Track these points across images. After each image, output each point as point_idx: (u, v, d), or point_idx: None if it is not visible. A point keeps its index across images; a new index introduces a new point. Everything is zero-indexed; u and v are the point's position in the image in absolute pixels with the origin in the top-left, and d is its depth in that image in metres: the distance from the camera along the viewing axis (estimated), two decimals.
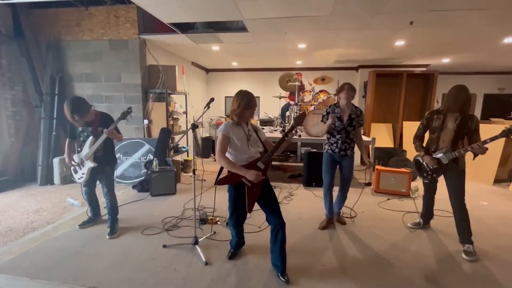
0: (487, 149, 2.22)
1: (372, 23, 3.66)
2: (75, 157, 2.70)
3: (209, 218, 3.02)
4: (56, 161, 4.41)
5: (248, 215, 2.34)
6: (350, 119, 2.81)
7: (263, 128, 5.13)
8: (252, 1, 3.04)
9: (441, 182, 2.60)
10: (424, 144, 2.64)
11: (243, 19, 3.63)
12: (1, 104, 4.38)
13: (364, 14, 3.36)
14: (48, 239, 2.63)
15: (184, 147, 5.38)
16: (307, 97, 5.26)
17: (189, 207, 3.43)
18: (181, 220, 3.06)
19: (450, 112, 2.40)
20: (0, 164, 4.31)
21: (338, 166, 2.93)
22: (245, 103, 2.01)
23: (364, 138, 4.73)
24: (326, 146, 2.96)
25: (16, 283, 2.02)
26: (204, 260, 2.24)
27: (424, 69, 6.58)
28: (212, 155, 6.95)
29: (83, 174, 2.71)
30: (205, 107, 2.48)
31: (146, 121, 4.66)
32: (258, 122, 6.18)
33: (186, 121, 5.41)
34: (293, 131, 2.05)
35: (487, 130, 2.40)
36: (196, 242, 2.42)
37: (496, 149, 4.44)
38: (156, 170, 3.93)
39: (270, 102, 7.20)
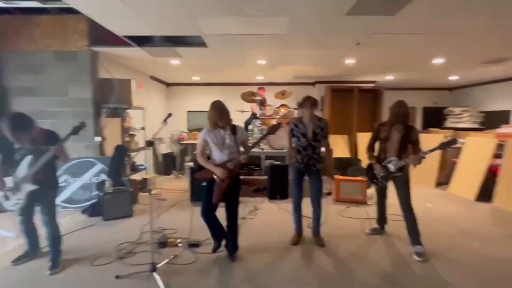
0: (419, 161, 2.47)
1: (325, 42, 3.95)
2: (8, 180, 2.34)
3: (169, 240, 2.82)
4: None
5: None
6: (314, 134, 2.75)
7: None
8: (211, 18, 3.07)
9: (392, 188, 2.81)
10: (376, 153, 2.85)
11: (202, 34, 3.63)
12: None
13: (317, 33, 3.60)
14: None
15: (142, 165, 5.07)
16: (269, 112, 5.39)
17: (146, 230, 3.17)
18: (138, 245, 2.81)
19: (394, 125, 2.65)
20: None
21: (308, 179, 2.87)
22: (214, 114, 2.39)
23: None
24: (295, 162, 2.85)
25: None
26: None
27: (373, 85, 7.24)
28: (174, 171, 6.65)
29: (18, 200, 2.34)
30: (162, 122, 2.38)
31: (98, 138, 4.30)
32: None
33: (144, 137, 5.13)
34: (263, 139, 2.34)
35: (427, 139, 2.69)
36: (153, 269, 2.22)
37: (434, 155, 4.98)
38: (110, 191, 3.61)
39: (233, 116, 7.20)
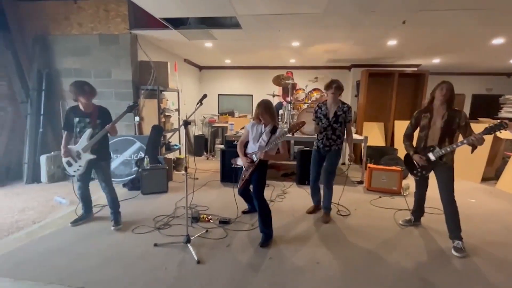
0: (484, 139, 2.19)
1: (365, 21, 3.68)
2: (71, 148, 2.68)
3: (202, 216, 2.98)
4: (43, 158, 4.27)
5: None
6: (336, 116, 2.91)
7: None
8: None
9: (432, 180, 2.64)
10: (414, 143, 2.67)
11: (236, 15, 3.59)
12: None
13: (357, 12, 3.36)
14: (34, 239, 2.55)
15: (176, 145, 5.31)
16: (301, 96, 5.26)
17: (181, 206, 3.38)
18: (173, 219, 3.01)
19: (437, 110, 2.44)
20: None
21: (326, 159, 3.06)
22: (259, 108, 2.51)
23: (357, 136, 4.77)
24: (314, 142, 3.13)
25: None
26: (196, 258, 2.21)
27: (415, 69, 6.67)
28: (205, 153, 6.89)
29: (79, 166, 2.68)
30: (197, 103, 2.44)
31: (137, 118, 4.57)
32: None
33: (179, 118, 5.33)
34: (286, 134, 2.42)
35: (475, 130, 2.46)
36: (188, 241, 2.38)
37: (483, 148, 4.53)
38: (148, 168, 3.86)
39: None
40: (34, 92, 4.43)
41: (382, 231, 2.86)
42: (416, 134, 2.68)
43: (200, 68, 7.89)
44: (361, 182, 4.48)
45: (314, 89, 5.20)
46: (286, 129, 2.41)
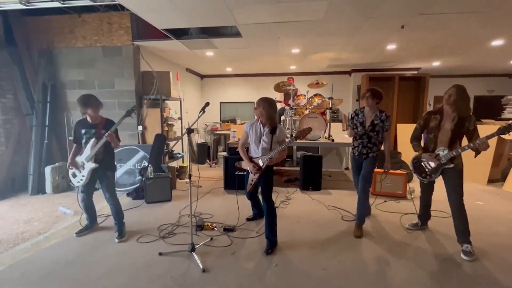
0: (489, 145, 2.22)
1: (364, 27, 3.72)
2: (76, 160, 2.73)
3: (206, 224, 2.97)
4: (48, 169, 4.31)
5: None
6: (373, 125, 2.80)
7: None
8: (246, 6, 3.06)
9: (438, 183, 2.61)
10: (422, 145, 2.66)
11: (237, 24, 3.65)
12: None
13: (356, 18, 3.41)
14: (39, 250, 2.55)
15: (179, 153, 5.33)
16: (302, 101, 5.28)
17: (185, 214, 3.37)
18: (177, 227, 3.00)
19: (448, 113, 2.43)
20: None
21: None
22: (258, 108, 2.48)
23: None
24: (351, 150, 3.14)
25: None
26: (201, 267, 2.19)
27: (416, 72, 6.70)
28: (208, 161, 6.90)
29: (82, 176, 2.70)
30: (200, 111, 2.46)
31: (140, 128, 4.61)
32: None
33: (181, 127, 5.38)
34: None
35: (480, 132, 2.46)
36: (193, 249, 2.36)
37: (488, 149, 4.50)
38: (151, 176, 3.87)
39: None
40: (39, 104, 4.50)
41: (388, 235, 2.82)
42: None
43: (202, 76, 7.98)
44: None
45: (316, 95, 5.22)
46: (289, 137, 2.41)
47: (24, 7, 3.53)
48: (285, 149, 2.50)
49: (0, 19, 4.33)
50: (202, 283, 2.04)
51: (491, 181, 4.73)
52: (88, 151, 2.67)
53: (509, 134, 2.19)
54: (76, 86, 4.68)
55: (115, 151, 2.88)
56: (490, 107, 7.23)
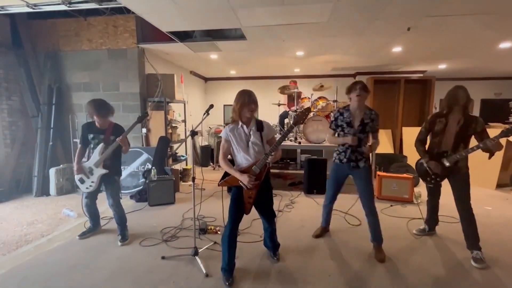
0: (501, 144, 2.15)
1: (369, 29, 3.69)
2: (84, 165, 2.68)
3: (209, 227, 2.93)
4: (52, 171, 4.32)
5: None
6: (363, 125, 2.37)
7: None
8: (250, 9, 3.05)
9: (445, 187, 2.55)
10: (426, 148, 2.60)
11: (241, 26, 3.65)
12: None
13: (361, 20, 3.38)
14: (42, 252, 2.54)
15: (182, 156, 5.33)
16: (306, 104, 5.25)
17: (188, 217, 3.34)
18: (180, 230, 2.97)
19: (453, 111, 2.38)
20: None
21: (352, 179, 2.54)
22: (242, 99, 1.99)
23: None
24: (335, 154, 2.57)
25: None
26: (204, 272, 2.16)
27: (421, 75, 6.63)
28: (211, 163, 6.88)
29: (92, 182, 2.66)
30: (204, 113, 2.44)
31: (144, 130, 4.61)
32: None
33: (185, 129, 5.37)
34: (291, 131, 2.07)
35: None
36: (196, 253, 2.33)
37: (497, 153, 4.41)
38: (155, 179, 3.86)
39: (269, 110, 7.19)
40: (45, 107, 4.53)
41: (395, 241, 2.76)
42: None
43: (206, 79, 8.00)
44: None
45: (320, 98, 5.19)
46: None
47: (31, 10, 3.57)
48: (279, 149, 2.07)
49: (7, 22, 4.39)
50: None
51: (499, 185, 4.63)
52: (96, 156, 2.63)
53: None
54: (81, 88, 4.71)
55: (122, 155, 2.84)
56: (497, 111, 7.14)
